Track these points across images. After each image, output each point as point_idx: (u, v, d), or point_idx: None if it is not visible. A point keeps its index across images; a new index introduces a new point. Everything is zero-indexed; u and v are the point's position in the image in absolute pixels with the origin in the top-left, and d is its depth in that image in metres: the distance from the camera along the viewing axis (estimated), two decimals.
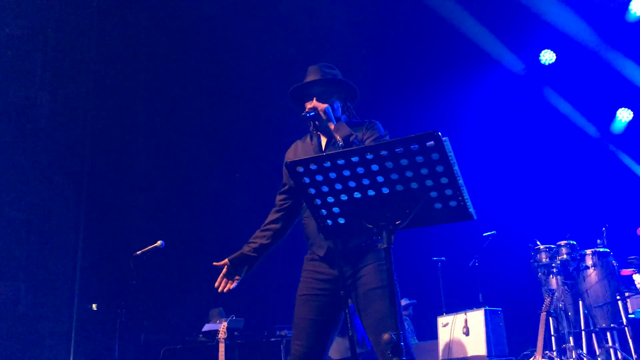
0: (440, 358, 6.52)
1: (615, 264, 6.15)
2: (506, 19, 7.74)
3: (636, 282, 6.04)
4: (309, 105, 3.04)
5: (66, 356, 6.81)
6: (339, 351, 4.21)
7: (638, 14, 7.43)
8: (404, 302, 7.13)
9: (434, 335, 6.76)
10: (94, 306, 7.26)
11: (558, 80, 8.08)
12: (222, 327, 5.55)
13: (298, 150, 3.18)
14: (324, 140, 3.10)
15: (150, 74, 7.81)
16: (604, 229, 6.44)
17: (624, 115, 8.02)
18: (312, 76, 3.08)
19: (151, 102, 7.82)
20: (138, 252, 5.15)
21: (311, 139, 3.14)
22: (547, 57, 8.09)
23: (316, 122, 2.98)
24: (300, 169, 2.20)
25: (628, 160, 7.86)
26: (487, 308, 6.37)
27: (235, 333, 6.12)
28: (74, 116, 7.33)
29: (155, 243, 5.15)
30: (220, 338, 5.44)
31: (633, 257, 6.36)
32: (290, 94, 3.13)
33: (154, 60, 7.79)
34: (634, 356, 5.71)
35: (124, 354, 5.43)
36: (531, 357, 5.47)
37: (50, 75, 7.12)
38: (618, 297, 5.99)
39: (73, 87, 7.30)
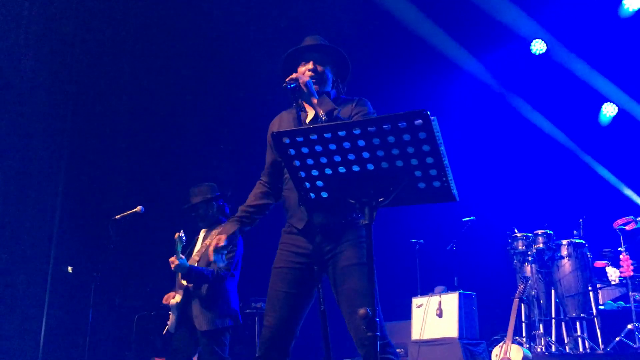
0: (413, 338, 6.61)
1: (589, 256, 6.26)
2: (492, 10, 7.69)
3: (608, 275, 6.17)
4: (301, 68, 2.98)
5: (39, 318, 6.77)
6: (207, 322, 4.28)
7: (631, 9, 7.45)
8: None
9: (408, 316, 6.85)
10: (70, 269, 7.20)
11: (545, 72, 8.11)
12: None
13: (283, 122, 3.13)
14: (311, 113, 3.03)
15: (134, 42, 7.66)
16: (581, 220, 6.53)
17: (609, 110, 8.09)
18: (310, 41, 3.04)
19: (135, 68, 7.68)
20: (117, 217, 5.10)
21: (297, 111, 3.03)
22: (538, 47, 8.10)
23: (296, 94, 2.86)
24: (286, 140, 2.19)
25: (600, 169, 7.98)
26: (461, 291, 6.45)
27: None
28: (55, 79, 7.18)
29: (135, 208, 5.10)
30: None
31: (607, 249, 6.48)
32: (285, 59, 3.06)
33: (138, 30, 7.64)
34: (601, 346, 5.83)
35: (97, 318, 5.41)
36: (501, 341, 5.56)
37: (33, 38, 6.96)
38: (590, 288, 6.10)
39: (56, 51, 7.15)
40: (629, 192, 7.85)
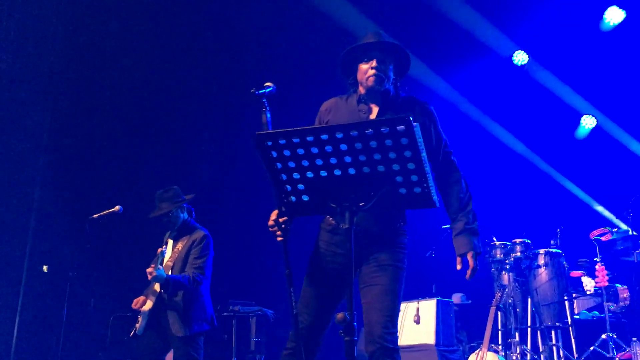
0: None
1: (566, 265, 6.33)
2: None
3: (584, 285, 6.24)
4: (363, 66, 2.87)
5: (12, 317, 6.67)
6: (184, 327, 4.31)
7: (612, 24, 7.57)
8: (459, 299, 7.21)
9: None
10: (45, 268, 7.10)
11: (527, 79, 8.19)
12: None
13: (338, 111, 2.99)
14: (375, 110, 2.93)
15: (115, 43, 7.58)
16: (558, 230, 6.61)
17: (588, 122, 8.20)
18: (371, 38, 2.89)
19: (113, 68, 7.60)
20: (95, 216, 5.04)
21: (358, 103, 2.95)
22: (520, 57, 8.19)
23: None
24: (269, 142, 2.18)
25: (560, 187, 8.10)
26: (439, 298, 6.48)
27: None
28: (34, 78, 7.09)
29: (114, 208, 5.04)
30: None
31: (584, 260, 6.56)
32: (344, 55, 2.95)
33: (118, 31, 7.56)
34: (576, 355, 5.90)
35: (72, 318, 5.33)
36: (477, 349, 5.59)
37: (13, 34, 6.87)
38: (565, 298, 6.17)
39: (37, 49, 7.07)
40: (599, 208, 7.97)
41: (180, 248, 4.49)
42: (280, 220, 2.57)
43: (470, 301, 7.32)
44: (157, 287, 4.35)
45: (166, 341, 4.38)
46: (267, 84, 2.65)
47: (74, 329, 6.26)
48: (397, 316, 2.76)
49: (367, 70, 2.86)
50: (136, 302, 4.45)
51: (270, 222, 2.62)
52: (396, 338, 2.71)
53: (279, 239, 2.61)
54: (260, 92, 2.61)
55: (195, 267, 4.38)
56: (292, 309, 2.65)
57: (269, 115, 2.58)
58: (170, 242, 4.62)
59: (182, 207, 4.60)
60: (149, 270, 4.21)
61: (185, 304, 4.32)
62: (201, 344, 4.37)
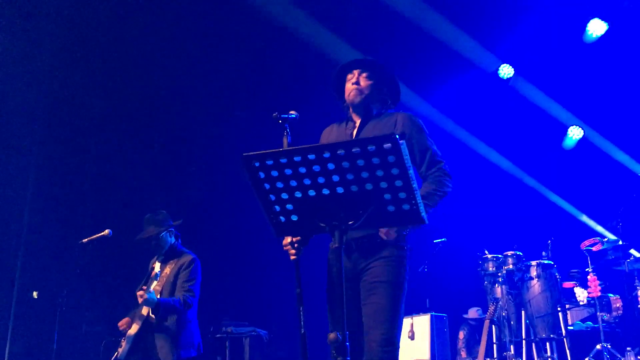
0: None
1: (558, 277, 6.34)
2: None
3: (577, 295, 6.25)
4: (347, 85, 3.07)
5: (2, 344, 6.58)
6: (172, 353, 4.27)
7: (595, 35, 7.66)
8: (475, 314, 7.19)
9: None
10: (35, 294, 7.03)
11: (513, 94, 8.26)
12: None
13: (332, 134, 3.20)
14: (357, 123, 3.11)
15: (101, 59, 7.57)
16: (549, 242, 6.62)
17: (575, 133, 8.27)
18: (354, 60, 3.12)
19: (105, 90, 7.60)
20: (84, 240, 5.00)
21: (347, 122, 3.17)
22: (506, 71, 8.26)
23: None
24: (256, 164, 2.18)
25: (549, 199, 8.14)
26: (433, 313, 6.46)
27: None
28: (24, 100, 7.08)
29: (103, 232, 5.01)
30: None
31: (575, 270, 6.57)
32: (334, 79, 3.17)
33: (103, 47, 7.56)
34: None
35: (63, 344, 5.28)
36: None
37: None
38: (559, 309, 6.17)
39: (26, 68, 7.06)
40: (584, 218, 8.01)
41: (168, 272, 4.48)
42: (294, 240, 2.74)
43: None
44: (144, 311, 4.30)
45: None
46: (292, 112, 2.83)
47: (65, 355, 6.19)
48: (395, 332, 2.77)
49: (349, 87, 3.07)
50: (123, 324, 4.43)
51: (285, 242, 2.78)
52: (394, 356, 2.72)
53: (292, 257, 2.75)
54: (283, 116, 2.80)
55: (185, 290, 4.37)
56: (300, 328, 2.69)
57: (289, 140, 2.79)
58: (158, 265, 4.60)
59: (171, 231, 4.61)
60: (139, 293, 4.18)
61: (172, 329, 4.30)
62: None
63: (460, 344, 7.08)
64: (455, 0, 7.43)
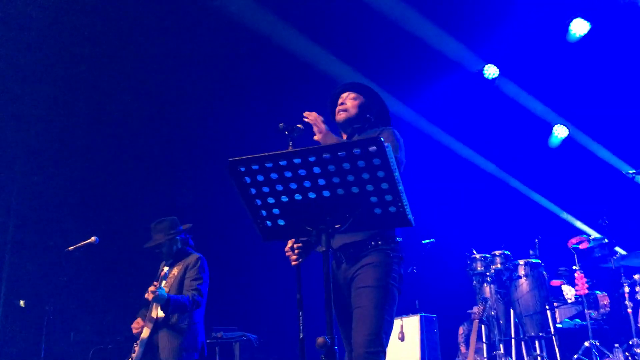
0: None
1: (545, 275, 6.37)
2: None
3: (564, 293, 6.28)
4: (340, 100, 3.29)
5: None
6: (174, 354, 4.31)
7: (578, 35, 7.73)
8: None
9: None
10: (22, 302, 6.97)
11: (498, 94, 8.31)
12: None
13: None
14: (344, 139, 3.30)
15: (94, 64, 7.54)
16: (536, 240, 6.66)
17: (560, 131, 8.33)
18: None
19: (91, 93, 7.55)
20: (70, 248, 4.96)
21: None
22: (491, 71, 8.31)
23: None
24: (242, 168, 2.17)
25: (535, 199, 8.20)
26: (422, 314, 6.47)
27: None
28: (10, 110, 7.03)
29: (89, 239, 4.98)
30: None
31: (563, 268, 6.61)
32: (330, 106, 3.38)
33: (97, 52, 7.52)
34: None
35: (50, 353, 5.23)
36: None
37: None
38: (547, 307, 6.20)
39: (7, 84, 7.02)
40: (565, 216, 8.07)
41: (175, 273, 4.52)
42: (295, 246, 2.84)
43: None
44: (154, 313, 4.33)
45: None
46: (299, 125, 2.96)
47: None
48: (380, 334, 2.79)
49: (337, 109, 3.29)
50: (136, 326, 4.43)
51: (287, 248, 2.87)
52: (381, 357, 2.74)
53: (294, 263, 2.84)
54: (289, 127, 2.94)
55: (193, 289, 4.41)
56: (299, 333, 2.73)
57: None
58: (166, 269, 4.63)
59: (175, 239, 4.63)
60: (150, 289, 4.21)
61: (177, 330, 4.33)
62: None
63: (460, 339, 7.08)
64: (438, 2, 7.47)
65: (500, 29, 7.85)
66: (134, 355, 4.33)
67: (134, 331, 4.43)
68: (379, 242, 2.97)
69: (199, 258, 4.57)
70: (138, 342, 4.34)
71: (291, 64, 7.44)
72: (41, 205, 7.19)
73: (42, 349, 5.03)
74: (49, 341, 5.09)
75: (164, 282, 4.42)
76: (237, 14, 7.06)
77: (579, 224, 7.95)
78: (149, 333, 4.33)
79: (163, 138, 8.10)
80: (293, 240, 2.85)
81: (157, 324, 4.34)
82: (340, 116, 3.25)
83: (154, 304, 4.32)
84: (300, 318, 2.71)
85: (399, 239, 3.05)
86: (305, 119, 3.02)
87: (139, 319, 4.48)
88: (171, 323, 4.33)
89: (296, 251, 2.84)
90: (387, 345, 2.83)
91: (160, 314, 4.32)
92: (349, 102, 3.27)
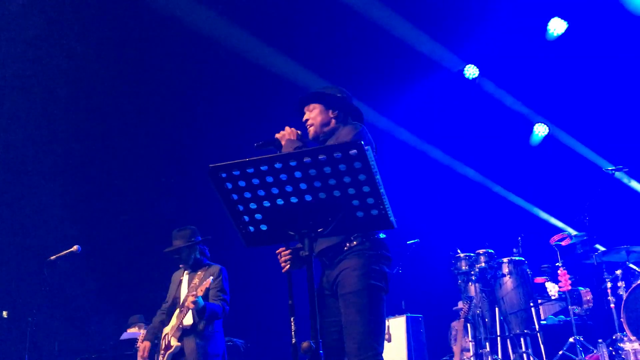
0: None
1: (529, 272, 6.43)
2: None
3: (548, 290, 6.34)
4: (304, 118, 3.33)
5: None
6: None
7: (556, 34, 7.83)
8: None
9: None
10: (5, 313, 6.89)
11: (480, 93, 8.37)
12: (141, 335, 5.40)
13: None
14: None
15: (76, 70, 7.47)
16: (519, 238, 6.71)
17: (541, 130, 8.42)
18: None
19: (72, 97, 7.48)
20: (52, 257, 4.92)
21: None
22: (471, 71, 8.37)
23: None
24: (223, 174, 2.16)
25: (516, 198, 8.27)
26: (409, 315, 6.49)
27: (156, 341, 5.95)
28: None
29: (72, 248, 4.94)
30: (138, 346, 5.29)
31: (546, 265, 6.67)
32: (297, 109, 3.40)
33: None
34: None
35: None
36: None
37: None
38: (531, 304, 6.25)
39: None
40: (545, 216, 8.16)
41: (197, 283, 4.64)
42: (283, 253, 2.88)
43: None
44: (175, 322, 4.49)
45: None
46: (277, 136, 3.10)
47: None
48: (370, 338, 2.82)
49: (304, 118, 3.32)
50: (143, 350, 4.62)
51: (278, 254, 2.91)
52: None
53: (284, 270, 2.87)
54: (265, 143, 3.08)
55: (221, 299, 4.60)
56: (291, 338, 2.71)
57: None
58: (186, 278, 4.76)
59: (194, 247, 4.77)
60: (191, 298, 4.34)
61: (202, 338, 4.50)
62: None
63: (454, 333, 7.09)
64: (417, 2, 7.51)
65: (480, 29, 7.92)
66: None
67: (143, 356, 4.61)
68: (354, 243, 2.97)
69: (221, 269, 4.73)
70: (162, 351, 4.52)
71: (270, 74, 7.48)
72: (22, 214, 7.11)
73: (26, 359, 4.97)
74: (32, 352, 5.04)
75: (184, 292, 4.60)
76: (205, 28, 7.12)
77: (555, 222, 8.03)
78: (177, 342, 4.50)
79: (145, 146, 8.05)
80: (284, 248, 2.90)
81: (184, 331, 4.51)
82: (310, 131, 3.28)
83: (175, 313, 4.53)
84: (292, 324, 2.70)
85: (381, 235, 3.04)
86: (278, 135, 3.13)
87: (146, 342, 4.63)
88: (198, 330, 4.49)
89: (283, 258, 2.86)
90: (381, 346, 2.86)
91: (186, 322, 4.48)
92: (309, 115, 3.29)
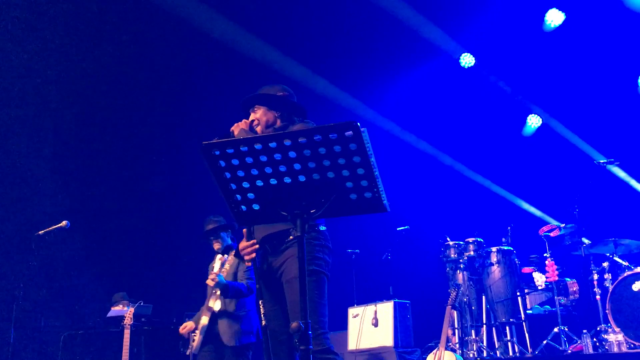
0: (349, 348, 6.62)
1: (517, 262, 6.47)
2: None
3: (535, 280, 6.39)
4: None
5: None
6: (234, 338, 4.66)
7: (553, 25, 7.81)
8: None
9: (344, 326, 6.86)
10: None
11: (475, 83, 8.36)
12: (128, 312, 5.42)
13: None
14: None
15: (68, 45, 7.38)
16: (509, 228, 6.74)
17: (534, 121, 8.43)
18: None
19: (63, 71, 7.39)
20: (40, 232, 4.89)
21: None
22: (467, 60, 8.35)
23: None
24: (216, 152, 2.14)
25: (507, 188, 8.29)
26: (396, 300, 6.52)
27: (143, 319, 5.95)
28: None
29: (60, 223, 4.91)
30: (125, 324, 5.31)
31: (534, 256, 6.71)
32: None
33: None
34: (530, 350, 6.02)
35: (20, 338, 5.15)
36: (435, 348, 5.65)
37: None
38: (518, 294, 6.30)
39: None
40: (526, 206, 8.20)
41: (228, 268, 4.77)
42: (249, 243, 2.98)
43: None
44: (211, 303, 4.64)
45: (221, 352, 4.67)
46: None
47: (23, 350, 6.04)
48: (316, 315, 2.91)
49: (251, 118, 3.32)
50: (183, 327, 4.77)
51: (241, 246, 3.00)
52: (321, 338, 2.87)
53: (248, 259, 2.98)
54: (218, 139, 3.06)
55: (247, 277, 4.71)
56: (260, 320, 2.92)
57: None
58: (218, 264, 4.88)
59: (227, 230, 4.98)
60: (212, 276, 4.52)
61: (234, 317, 4.68)
62: (250, 355, 4.73)
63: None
64: None
65: (477, 19, 7.88)
66: (193, 343, 4.64)
67: (181, 332, 4.78)
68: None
69: None
70: (197, 331, 4.64)
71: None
72: (11, 187, 7.04)
73: (12, 335, 4.95)
74: (18, 327, 5.02)
75: (218, 269, 4.74)
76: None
77: (540, 214, 8.08)
78: (207, 321, 4.63)
79: (136, 121, 7.98)
80: (244, 239, 3.00)
81: (217, 314, 4.66)
82: (257, 132, 3.28)
83: (212, 295, 4.64)
84: (261, 306, 2.88)
85: (322, 228, 3.13)
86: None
87: (189, 322, 4.79)
88: (230, 311, 4.66)
89: (248, 250, 2.97)
90: (326, 324, 2.95)
91: (216, 307, 4.65)
92: (255, 116, 3.30)
